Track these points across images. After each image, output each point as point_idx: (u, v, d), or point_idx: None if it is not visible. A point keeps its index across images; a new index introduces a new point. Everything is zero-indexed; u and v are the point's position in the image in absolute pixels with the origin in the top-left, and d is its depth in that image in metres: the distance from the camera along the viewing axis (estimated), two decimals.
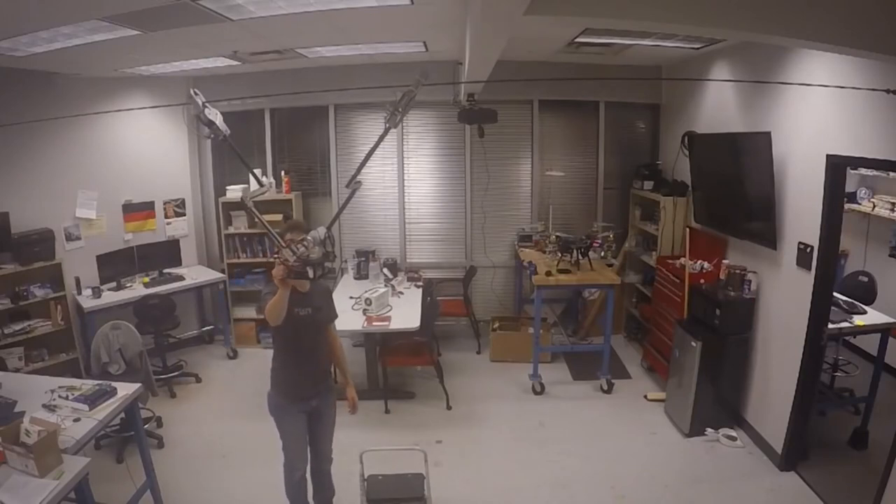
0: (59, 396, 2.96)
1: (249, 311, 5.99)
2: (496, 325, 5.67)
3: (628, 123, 6.06)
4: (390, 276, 5.55)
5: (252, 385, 5.01)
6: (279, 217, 5.68)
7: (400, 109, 2.83)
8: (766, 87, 3.81)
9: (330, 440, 3.18)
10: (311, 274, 2.40)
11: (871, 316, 4.00)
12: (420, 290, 5.35)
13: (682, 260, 4.64)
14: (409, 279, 5.64)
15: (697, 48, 4.58)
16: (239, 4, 2.92)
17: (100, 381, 3.14)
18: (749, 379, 4.09)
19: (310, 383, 2.93)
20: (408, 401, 4.74)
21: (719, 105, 4.64)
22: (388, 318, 4.59)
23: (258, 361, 5.52)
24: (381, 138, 2.75)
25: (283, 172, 5.82)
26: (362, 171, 6.15)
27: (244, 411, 4.61)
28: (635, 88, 5.76)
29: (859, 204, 5.07)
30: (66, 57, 3.89)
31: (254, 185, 5.66)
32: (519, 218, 6.02)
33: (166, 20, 3.14)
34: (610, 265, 5.20)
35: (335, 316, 3.13)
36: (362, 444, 3.15)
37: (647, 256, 5.45)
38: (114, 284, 5.19)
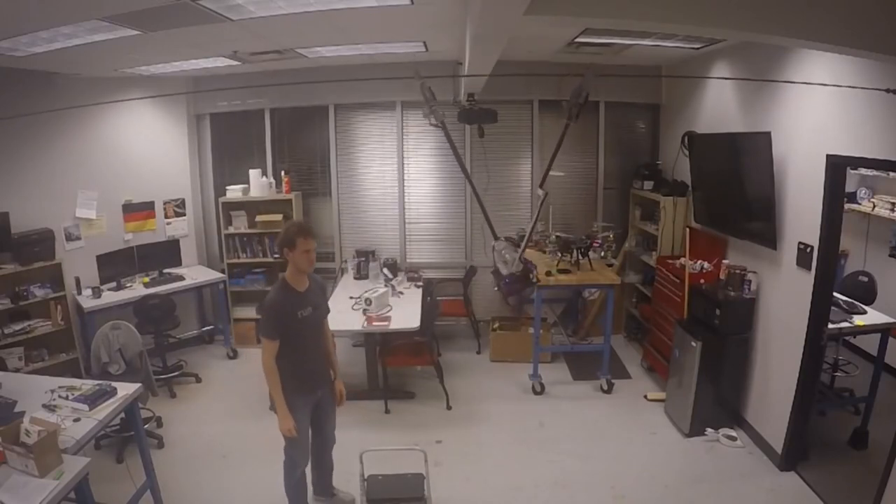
0: (59, 396, 2.96)
1: (249, 311, 5.98)
2: (496, 325, 5.67)
3: (629, 123, 6.06)
4: (390, 276, 5.55)
5: (252, 385, 5.01)
6: (279, 217, 5.72)
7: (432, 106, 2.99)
8: (766, 86, 3.81)
9: (334, 424, 3.29)
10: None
11: (871, 316, 4.00)
12: (420, 290, 5.35)
13: (682, 260, 4.64)
14: (409, 279, 5.64)
15: (697, 48, 4.58)
16: (239, 4, 2.92)
17: (100, 381, 3.14)
18: (749, 379, 4.09)
19: (316, 376, 3.08)
20: (408, 401, 4.74)
21: (719, 105, 4.64)
22: (388, 318, 4.59)
23: (258, 361, 5.49)
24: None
25: (283, 172, 5.81)
26: (363, 171, 6.26)
27: (244, 411, 4.62)
28: (635, 88, 5.77)
29: (859, 204, 5.07)
30: (66, 57, 3.89)
31: (253, 184, 5.70)
32: (519, 218, 6.02)
33: (166, 20, 3.14)
34: (610, 265, 5.21)
35: (328, 310, 3.24)
36: (362, 444, 3.15)
37: (647, 256, 5.45)
38: (114, 284, 5.19)
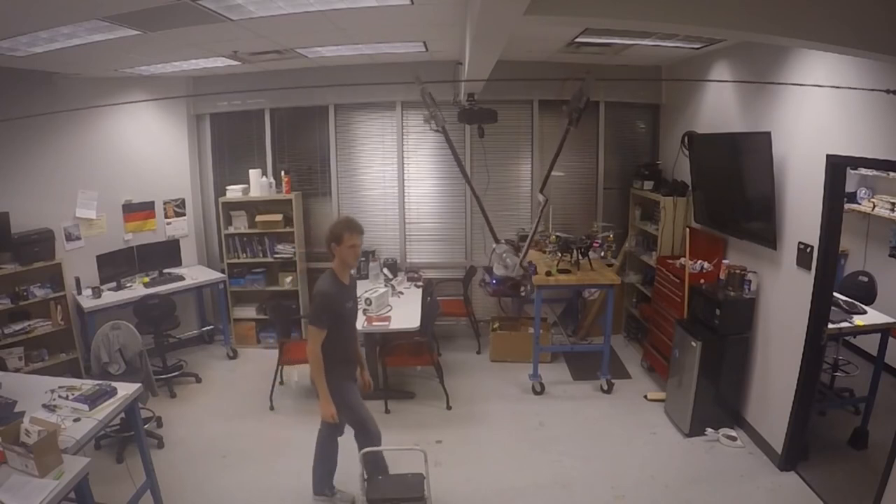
0: (59, 396, 2.96)
1: (249, 311, 5.99)
2: (496, 325, 5.67)
3: (629, 123, 6.06)
4: (390, 276, 5.55)
5: (252, 385, 5.02)
6: (279, 217, 5.72)
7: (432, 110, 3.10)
8: (766, 86, 3.81)
9: None
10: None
11: (871, 316, 4.00)
12: (420, 290, 5.35)
13: (682, 260, 4.64)
14: (409, 279, 5.64)
15: (697, 48, 4.58)
16: (239, 4, 2.92)
17: (100, 381, 3.14)
18: (749, 379, 4.09)
19: (353, 364, 3.30)
20: (408, 401, 4.74)
21: (719, 105, 4.64)
22: (388, 318, 4.60)
23: (258, 361, 5.53)
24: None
25: (283, 172, 5.81)
26: (363, 171, 6.22)
27: (244, 411, 4.62)
28: (635, 88, 5.77)
29: (859, 204, 5.07)
30: (66, 57, 3.90)
31: (253, 184, 5.70)
32: (519, 218, 6.02)
33: (166, 20, 3.14)
34: (610, 265, 5.21)
35: None
36: None
37: (647, 256, 5.45)
38: (114, 284, 5.19)
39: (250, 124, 6.04)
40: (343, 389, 3.12)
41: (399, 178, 6.00)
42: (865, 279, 4.49)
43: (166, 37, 3.57)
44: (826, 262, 3.35)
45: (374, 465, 3.21)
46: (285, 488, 3.60)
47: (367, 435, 3.18)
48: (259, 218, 5.75)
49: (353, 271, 3.24)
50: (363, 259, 5.73)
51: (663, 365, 4.71)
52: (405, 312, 4.70)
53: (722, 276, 4.17)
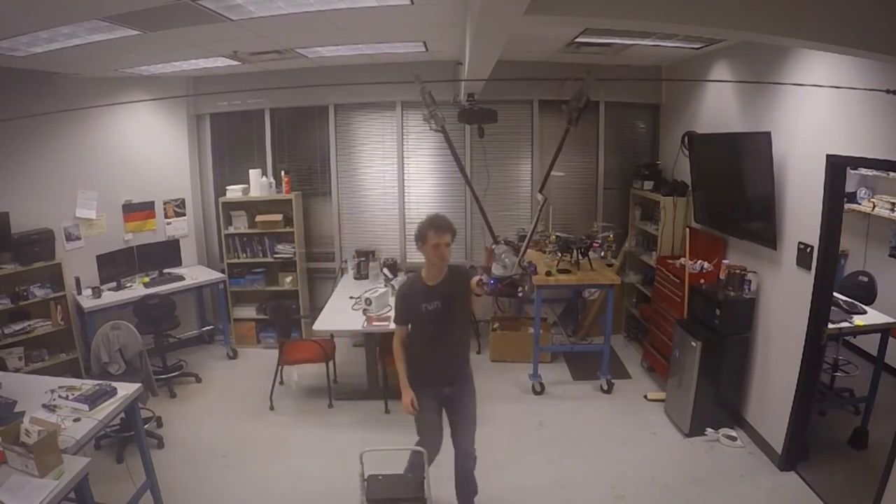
0: (59, 396, 2.96)
1: (249, 311, 5.99)
2: (496, 325, 5.67)
3: (629, 123, 6.06)
4: (390, 276, 5.54)
5: (252, 385, 5.01)
6: (279, 217, 5.72)
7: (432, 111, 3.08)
8: (766, 86, 3.81)
9: (471, 436, 3.12)
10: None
11: (871, 316, 4.00)
12: None
13: (682, 260, 4.64)
14: None
15: (697, 48, 4.58)
16: (239, 4, 2.92)
17: (100, 381, 3.14)
18: (749, 379, 4.09)
19: (439, 370, 3.03)
20: None
21: (719, 105, 4.64)
22: (389, 318, 4.58)
23: (258, 361, 5.53)
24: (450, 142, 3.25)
25: (283, 172, 5.81)
26: (363, 171, 6.22)
27: (244, 411, 4.62)
28: (635, 88, 5.77)
29: (859, 204, 5.07)
30: (66, 57, 3.90)
31: (253, 184, 5.70)
32: (519, 218, 6.02)
33: (166, 20, 3.14)
34: (610, 265, 5.21)
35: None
36: (362, 444, 3.16)
37: (647, 256, 5.45)
38: (114, 284, 5.19)
39: (250, 124, 6.04)
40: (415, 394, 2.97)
41: (399, 178, 6.00)
42: (865, 279, 4.49)
43: (166, 37, 3.57)
44: (826, 262, 3.35)
45: (414, 468, 3.10)
46: (285, 488, 3.60)
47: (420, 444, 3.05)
48: (259, 218, 5.75)
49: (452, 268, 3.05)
50: (363, 259, 5.74)
51: (663, 365, 4.71)
52: None
53: (722, 276, 4.17)
